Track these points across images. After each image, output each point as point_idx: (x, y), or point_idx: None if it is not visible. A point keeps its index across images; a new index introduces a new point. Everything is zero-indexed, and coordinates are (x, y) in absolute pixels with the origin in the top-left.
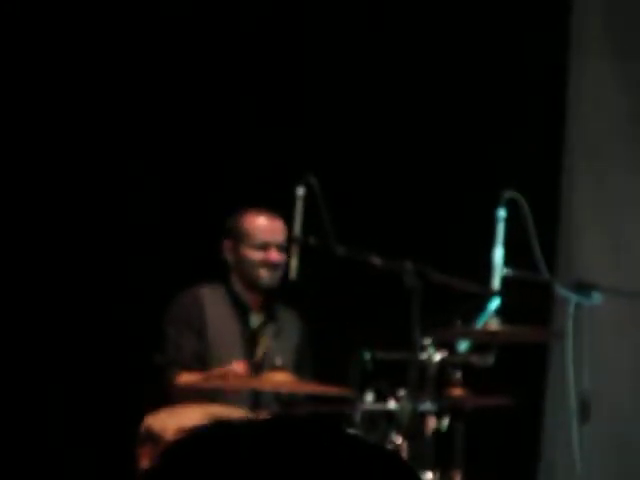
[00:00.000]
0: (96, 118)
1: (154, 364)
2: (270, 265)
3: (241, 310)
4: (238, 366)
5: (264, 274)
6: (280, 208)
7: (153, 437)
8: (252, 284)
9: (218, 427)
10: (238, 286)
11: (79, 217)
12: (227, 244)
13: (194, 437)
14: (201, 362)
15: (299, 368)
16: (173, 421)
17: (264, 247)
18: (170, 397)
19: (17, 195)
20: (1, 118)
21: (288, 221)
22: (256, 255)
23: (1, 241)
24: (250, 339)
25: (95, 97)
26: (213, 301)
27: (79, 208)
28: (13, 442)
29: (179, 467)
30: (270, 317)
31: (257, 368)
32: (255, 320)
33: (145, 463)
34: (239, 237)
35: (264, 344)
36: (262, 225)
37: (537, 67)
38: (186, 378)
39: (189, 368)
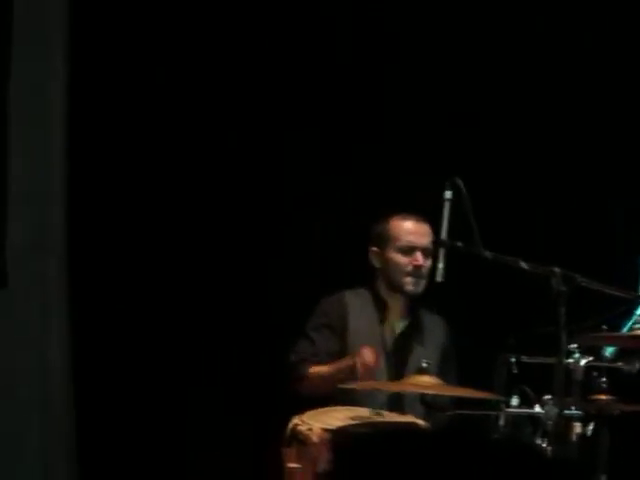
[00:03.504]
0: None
1: (288, 361)
2: (416, 269)
3: (385, 315)
4: (366, 352)
5: (410, 280)
6: (427, 211)
7: (299, 438)
8: (398, 289)
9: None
10: (384, 291)
11: (230, 220)
12: (374, 250)
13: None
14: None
15: (444, 372)
16: (319, 422)
17: (410, 250)
18: (302, 390)
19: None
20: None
21: (435, 224)
22: (402, 259)
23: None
24: (393, 344)
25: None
26: (357, 306)
27: (228, 210)
28: (156, 442)
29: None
30: (415, 322)
31: (400, 370)
32: (399, 325)
33: (291, 463)
34: (385, 241)
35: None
36: (408, 228)
37: None
38: (318, 368)
39: (320, 364)
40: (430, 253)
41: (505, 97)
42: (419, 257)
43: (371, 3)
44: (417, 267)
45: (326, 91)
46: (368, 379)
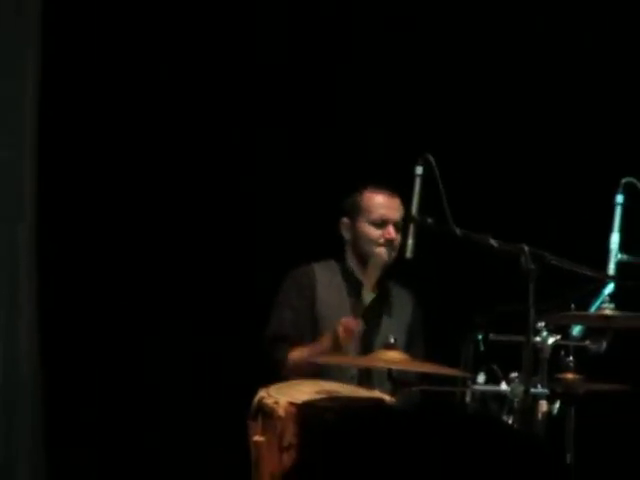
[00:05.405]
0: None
1: (262, 337)
2: (387, 242)
3: (354, 286)
4: (348, 320)
5: (381, 250)
6: (398, 187)
7: (265, 411)
8: (367, 261)
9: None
10: (353, 263)
11: (203, 206)
12: (344, 221)
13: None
14: (309, 335)
15: (410, 347)
16: (285, 395)
17: (382, 224)
18: (281, 373)
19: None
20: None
21: (406, 200)
22: (374, 232)
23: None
24: (362, 316)
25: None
26: (326, 277)
27: (203, 197)
28: (124, 417)
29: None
30: (383, 295)
31: (369, 342)
32: (368, 297)
33: (256, 436)
34: (357, 213)
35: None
36: (381, 202)
37: None
38: (296, 354)
39: (292, 340)
40: (400, 227)
41: (478, 75)
42: (391, 230)
43: None
44: (389, 240)
45: (296, 64)
46: (350, 343)
